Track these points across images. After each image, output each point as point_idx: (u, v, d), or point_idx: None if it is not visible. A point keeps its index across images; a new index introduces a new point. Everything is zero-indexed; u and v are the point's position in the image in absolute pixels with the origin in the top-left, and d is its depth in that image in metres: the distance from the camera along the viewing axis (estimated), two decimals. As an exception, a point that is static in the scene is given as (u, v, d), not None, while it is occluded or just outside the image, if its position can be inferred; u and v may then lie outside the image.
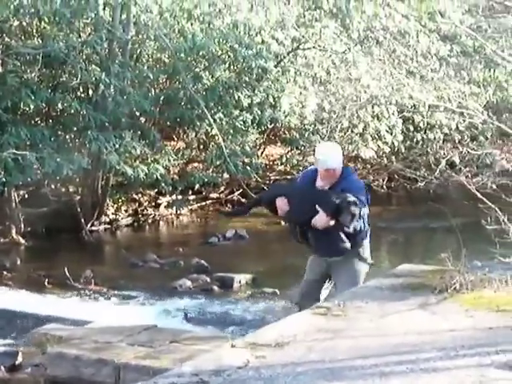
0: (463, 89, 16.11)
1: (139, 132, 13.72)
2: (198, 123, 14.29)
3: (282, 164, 17.02)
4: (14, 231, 13.26)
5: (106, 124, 12.89)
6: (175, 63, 13.69)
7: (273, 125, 15.90)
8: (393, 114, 16.25)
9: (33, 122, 13.49)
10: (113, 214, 14.99)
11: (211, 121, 13.64)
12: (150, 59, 14.99)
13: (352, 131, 16.07)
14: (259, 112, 14.64)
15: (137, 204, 15.61)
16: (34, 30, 13.45)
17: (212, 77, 14.40)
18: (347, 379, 4.09)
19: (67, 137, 13.71)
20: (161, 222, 15.59)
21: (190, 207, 16.09)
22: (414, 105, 15.51)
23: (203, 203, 16.52)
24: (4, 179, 11.68)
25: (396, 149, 16.92)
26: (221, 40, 14.12)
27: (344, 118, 15.42)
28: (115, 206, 15.12)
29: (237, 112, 14.46)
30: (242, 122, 14.47)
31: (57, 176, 12.45)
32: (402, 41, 16.40)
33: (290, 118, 15.19)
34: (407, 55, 16.59)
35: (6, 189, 12.86)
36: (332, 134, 15.05)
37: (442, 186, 13.18)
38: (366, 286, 6.09)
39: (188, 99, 13.91)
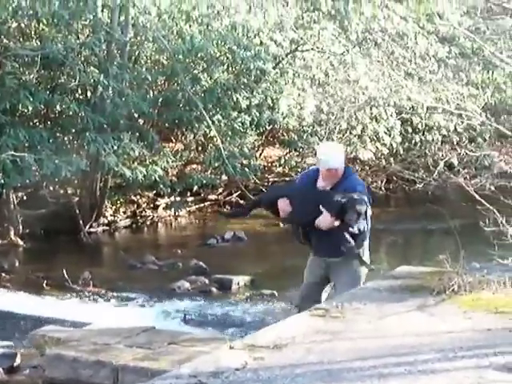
0: (461, 90, 16.14)
1: (137, 134, 13.72)
2: (197, 125, 14.29)
3: (280, 166, 17.00)
4: (12, 233, 13.26)
5: (105, 126, 12.89)
6: (173, 65, 13.70)
7: (271, 126, 15.88)
8: (391, 115, 16.26)
9: (31, 123, 13.48)
10: (111, 215, 14.98)
11: (209, 122, 13.65)
12: (149, 61, 14.98)
13: (350, 133, 16.07)
14: (257, 114, 14.64)
15: (135, 206, 15.61)
16: (33, 32, 13.44)
17: (210, 78, 14.41)
18: (345, 381, 4.09)
19: (65, 138, 13.71)
20: (159, 224, 15.59)
21: (188, 209, 16.09)
22: (413, 106, 15.54)
23: (201, 205, 16.51)
24: (2, 181, 11.69)
25: (394, 150, 16.93)
26: (219, 42, 14.12)
27: (342, 119, 15.45)
28: (113, 207, 15.12)
29: (235, 114, 14.46)
30: (240, 124, 14.47)
31: (55, 178, 12.45)
32: (400, 42, 16.44)
33: (289, 119, 15.19)
34: (405, 57, 16.63)
35: (4, 190, 12.87)
36: (330, 136, 15.07)
37: (440, 188, 13.21)
38: (364, 287, 6.08)
39: (186, 101, 13.91)
